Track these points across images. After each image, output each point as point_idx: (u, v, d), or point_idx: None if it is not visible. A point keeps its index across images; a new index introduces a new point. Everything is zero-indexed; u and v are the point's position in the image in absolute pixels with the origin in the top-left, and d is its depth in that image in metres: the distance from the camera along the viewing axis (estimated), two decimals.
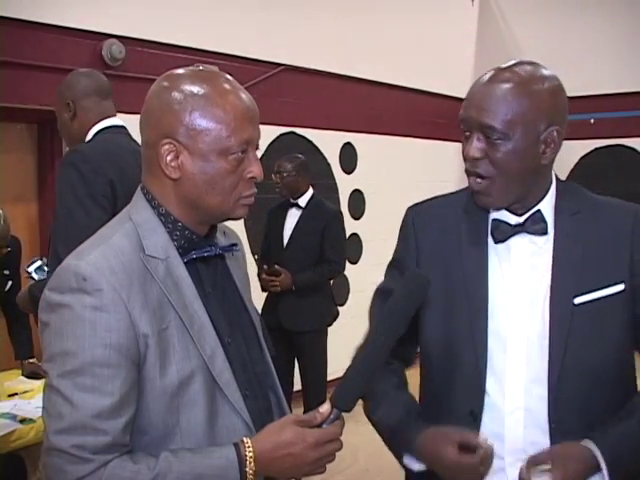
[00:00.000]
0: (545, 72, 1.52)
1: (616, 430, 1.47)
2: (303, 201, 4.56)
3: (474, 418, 1.53)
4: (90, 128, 2.56)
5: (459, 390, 1.56)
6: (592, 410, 1.50)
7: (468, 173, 1.53)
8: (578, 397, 1.49)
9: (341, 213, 4.77)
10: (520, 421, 1.51)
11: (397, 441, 1.59)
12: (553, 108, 1.49)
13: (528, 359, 1.51)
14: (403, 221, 1.70)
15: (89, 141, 2.54)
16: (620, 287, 1.51)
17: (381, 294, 1.68)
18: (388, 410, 1.61)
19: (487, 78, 1.50)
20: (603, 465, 1.41)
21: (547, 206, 1.56)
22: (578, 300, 1.50)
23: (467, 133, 1.51)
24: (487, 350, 1.52)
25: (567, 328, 1.49)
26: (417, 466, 1.54)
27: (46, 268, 2.75)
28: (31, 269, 2.78)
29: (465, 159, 1.52)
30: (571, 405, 1.49)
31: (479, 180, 1.50)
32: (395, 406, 1.62)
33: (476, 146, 1.48)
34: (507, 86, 1.46)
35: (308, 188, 4.59)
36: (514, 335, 1.52)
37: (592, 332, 1.50)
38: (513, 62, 1.53)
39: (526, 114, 1.45)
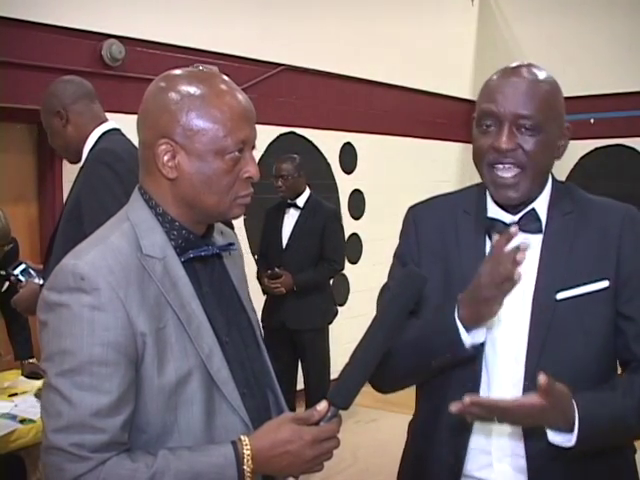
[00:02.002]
0: (546, 72, 1.56)
1: (599, 398, 1.46)
2: (301, 201, 4.57)
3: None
4: (90, 132, 2.57)
5: (454, 388, 1.55)
6: None
7: (493, 165, 1.50)
8: None
9: (339, 212, 4.78)
10: None
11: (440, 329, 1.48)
12: (563, 105, 1.55)
13: (516, 355, 1.52)
14: (404, 219, 1.72)
15: (97, 142, 2.55)
16: (604, 284, 1.51)
17: (388, 291, 1.69)
18: (413, 322, 1.52)
19: (508, 73, 1.52)
20: (576, 431, 1.40)
21: (542, 205, 1.58)
22: (560, 296, 1.51)
23: (491, 127, 1.50)
24: (484, 349, 1.53)
25: (547, 323, 1.50)
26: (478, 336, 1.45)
27: (32, 271, 2.74)
28: (17, 272, 2.76)
29: (490, 151, 1.49)
30: None
31: (508, 174, 1.49)
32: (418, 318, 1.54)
33: (510, 137, 1.47)
34: (533, 81, 1.49)
35: (306, 188, 4.60)
36: (504, 333, 1.53)
37: (573, 328, 1.50)
38: (516, 64, 1.55)
39: (555, 107, 1.51)
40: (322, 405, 1.26)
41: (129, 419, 1.21)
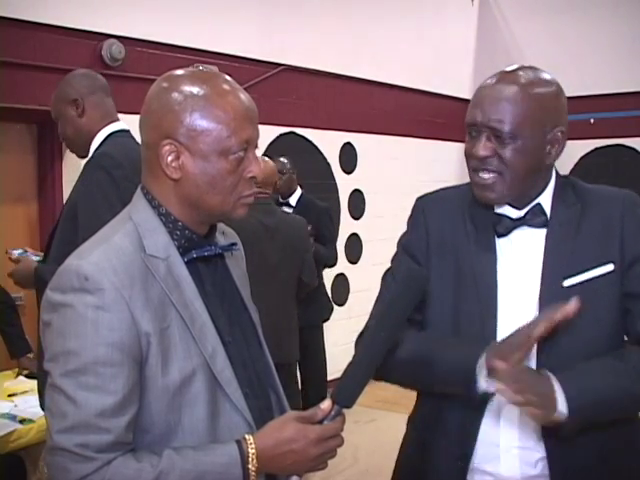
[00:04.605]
0: (546, 76, 1.57)
1: (582, 367, 1.48)
2: (293, 200, 4.69)
3: (483, 401, 1.53)
4: (101, 128, 2.59)
5: None
6: None
7: (474, 170, 1.56)
8: None
9: (330, 209, 4.88)
10: (515, 406, 1.50)
11: (451, 361, 1.52)
12: (557, 110, 1.55)
13: None
14: (413, 210, 1.74)
15: (102, 143, 2.56)
16: (610, 267, 1.54)
17: (391, 277, 1.69)
18: (420, 340, 1.58)
19: (493, 81, 1.54)
20: (562, 396, 1.42)
21: (546, 199, 1.61)
22: (567, 283, 1.53)
23: (474, 134, 1.55)
24: (495, 340, 1.53)
25: None
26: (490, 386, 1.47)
27: (30, 254, 2.82)
28: (16, 252, 2.84)
29: (471, 157, 1.55)
30: None
31: (487, 175, 1.53)
32: (427, 336, 1.60)
33: (486, 145, 1.52)
34: (515, 88, 1.51)
35: (297, 187, 4.73)
36: (513, 322, 1.52)
37: (582, 313, 1.50)
38: (515, 67, 1.58)
39: (534, 115, 1.50)
40: (326, 404, 1.27)
41: (133, 419, 1.21)
